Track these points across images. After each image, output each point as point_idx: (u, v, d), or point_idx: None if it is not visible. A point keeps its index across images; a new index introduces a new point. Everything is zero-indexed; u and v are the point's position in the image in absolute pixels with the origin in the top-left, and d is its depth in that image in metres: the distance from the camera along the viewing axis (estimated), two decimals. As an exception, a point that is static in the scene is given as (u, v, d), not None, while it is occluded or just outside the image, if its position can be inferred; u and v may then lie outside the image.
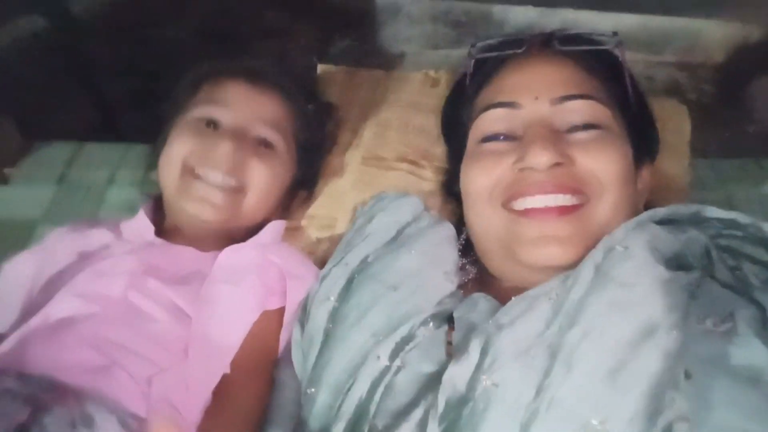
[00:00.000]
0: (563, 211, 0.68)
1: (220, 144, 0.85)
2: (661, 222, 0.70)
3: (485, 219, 0.75)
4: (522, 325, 0.62)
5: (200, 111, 0.89)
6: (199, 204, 0.85)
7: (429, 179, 0.97)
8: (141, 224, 0.89)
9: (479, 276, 0.82)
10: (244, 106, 0.89)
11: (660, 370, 0.54)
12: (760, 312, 0.60)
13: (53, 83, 1.67)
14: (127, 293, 0.77)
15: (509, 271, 0.74)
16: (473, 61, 0.82)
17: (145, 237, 0.87)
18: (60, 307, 0.75)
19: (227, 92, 0.90)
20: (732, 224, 0.72)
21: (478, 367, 0.60)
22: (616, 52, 0.78)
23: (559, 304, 0.62)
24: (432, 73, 1.10)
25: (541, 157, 0.68)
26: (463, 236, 0.84)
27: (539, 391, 0.56)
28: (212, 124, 0.88)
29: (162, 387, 0.70)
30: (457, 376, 0.60)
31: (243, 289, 0.80)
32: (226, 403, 0.73)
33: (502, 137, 0.74)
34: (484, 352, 0.61)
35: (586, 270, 0.63)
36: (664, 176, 0.96)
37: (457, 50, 2.52)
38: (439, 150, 0.98)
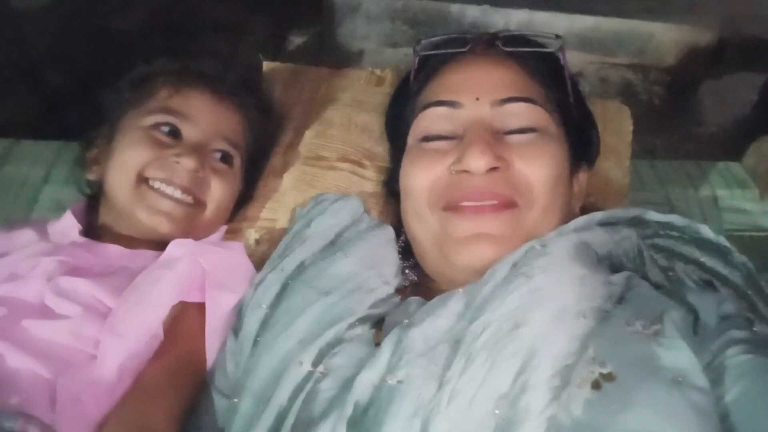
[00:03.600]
0: (497, 207, 0.68)
1: (183, 160, 0.82)
2: (600, 224, 0.71)
3: (422, 219, 0.74)
4: (432, 322, 0.62)
5: (159, 118, 0.85)
6: (156, 216, 0.83)
7: (371, 179, 0.95)
8: (66, 224, 0.85)
9: (419, 280, 0.81)
10: (208, 120, 0.87)
11: (564, 354, 0.55)
12: (691, 314, 0.61)
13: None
14: (42, 295, 0.74)
15: (443, 273, 0.74)
16: (417, 58, 0.81)
17: (69, 236, 0.84)
18: None
19: (191, 104, 0.87)
20: (669, 226, 0.73)
21: (388, 367, 0.60)
22: (559, 54, 0.78)
23: (471, 299, 0.62)
24: (377, 71, 1.09)
25: (478, 161, 0.68)
26: (402, 238, 0.83)
27: (441, 384, 0.56)
28: (172, 132, 0.85)
29: (69, 385, 0.67)
30: (366, 378, 0.59)
31: (169, 272, 0.78)
32: (140, 389, 0.71)
33: (442, 137, 0.74)
34: (394, 352, 0.60)
35: (503, 267, 0.64)
36: (605, 177, 0.97)
37: (416, 49, 2.53)
38: (382, 149, 0.97)
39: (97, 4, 2.00)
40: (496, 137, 0.71)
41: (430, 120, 0.75)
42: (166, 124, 0.85)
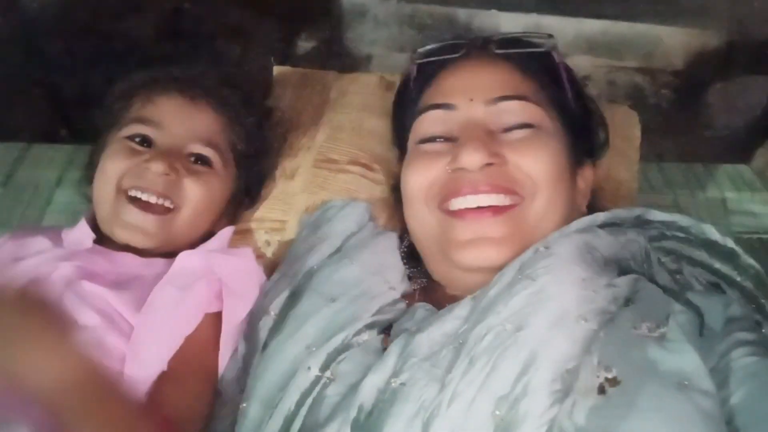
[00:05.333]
0: (497, 211, 0.69)
1: (152, 165, 0.82)
2: (603, 225, 0.71)
3: (421, 220, 0.76)
4: (439, 327, 0.63)
5: (132, 128, 0.86)
6: (130, 231, 0.83)
7: (381, 183, 0.96)
8: (81, 232, 0.86)
9: (426, 284, 0.82)
10: (178, 124, 0.87)
11: (565, 358, 0.55)
12: (697, 316, 0.61)
13: (6, 82, 1.63)
14: (61, 300, 0.74)
15: (447, 273, 0.75)
16: (415, 66, 0.83)
17: (84, 244, 0.84)
18: None
19: (160, 109, 0.87)
20: (673, 226, 0.74)
21: (393, 370, 0.60)
22: (553, 53, 0.79)
23: (477, 304, 0.63)
24: (387, 76, 1.09)
25: (472, 158, 0.69)
26: (405, 243, 0.84)
27: (443, 386, 0.57)
28: (146, 141, 0.86)
29: None
30: (372, 381, 0.60)
31: (189, 293, 0.79)
32: (159, 402, 0.71)
33: (438, 139, 0.76)
34: (399, 356, 0.61)
35: (510, 270, 0.64)
36: (614, 181, 0.97)
37: (424, 53, 2.53)
38: (392, 154, 0.97)
39: (108, 10, 2.02)
40: (491, 135, 0.72)
41: (426, 123, 0.77)
42: (139, 133, 0.86)
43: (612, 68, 2.28)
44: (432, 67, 0.81)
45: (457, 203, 0.71)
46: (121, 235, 0.83)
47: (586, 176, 0.81)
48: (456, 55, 0.79)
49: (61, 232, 0.87)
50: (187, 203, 0.85)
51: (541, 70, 0.78)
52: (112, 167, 0.84)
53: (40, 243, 0.84)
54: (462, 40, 0.81)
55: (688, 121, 2.14)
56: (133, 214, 0.82)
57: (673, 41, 2.26)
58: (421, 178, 0.75)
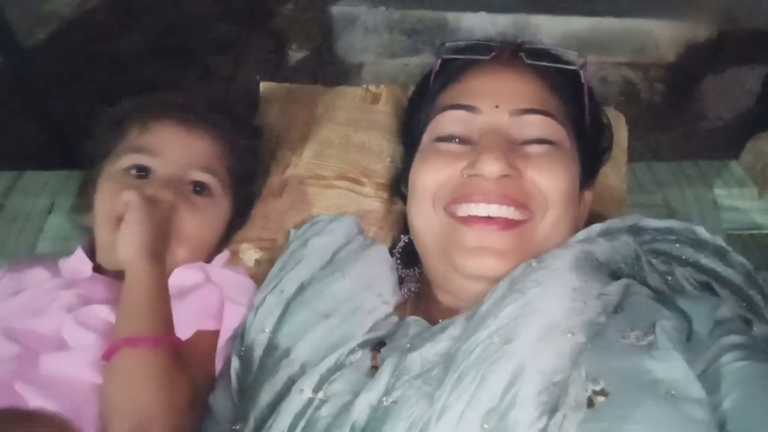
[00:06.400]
0: (505, 225, 0.69)
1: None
2: (600, 235, 0.72)
3: (426, 218, 0.75)
4: (432, 346, 0.63)
5: (130, 159, 0.85)
6: None
7: (369, 196, 0.96)
8: (78, 262, 0.86)
9: (419, 291, 0.82)
10: (177, 153, 0.86)
11: (552, 370, 0.56)
12: (685, 321, 0.61)
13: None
14: (60, 328, 0.75)
15: (444, 274, 0.74)
16: (440, 60, 0.82)
17: (83, 273, 0.84)
18: None
19: (158, 138, 0.86)
20: (667, 231, 0.74)
21: (386, 389, 0.60)
22: (580, 72, 0.78)
23: (470, 321, 0.63)
24: (372, 88, 1.09)
25: (491, 166, 0.69)
26: (401, 245, 0.84)
27: (432, 402, 0.57)
28: (143, 170, 0.85)
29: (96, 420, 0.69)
30: (365, 400, 0.60)
31: (180, 306, 0.78)
32: None
33: (457, 139, 0.75)
34: (392, 375, 0.61)
35: (501, 287, 0.64)
36: (603, 184, 0.97)
37: (415, 58, 2.53)
38: (380, 167, 0.98)
39: (98, 30, 2.03)
40: (511, 146, 0.71)
41: (447, 122, 0.76)
42: (137, 164, 0.85)
43: (603, 64, 2.28)
44: (457, 66, 0.80)
45: (467, 209, 0.70)
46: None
47: (585, 201, 0.82)
48: (485, 57, 0.78)
49: (58, 261, 0.87)
50: (185, 237, 0.84)
51: (566, 87, 0.77)
52: (112, 204, 0.82)
53: (38, 274, 0.84)
54: (491, 42, 0.80)
55: (681, 114, 2.14)
56: None
57: (663, 35, 2.26)
58: (433, 177, 0.74)
